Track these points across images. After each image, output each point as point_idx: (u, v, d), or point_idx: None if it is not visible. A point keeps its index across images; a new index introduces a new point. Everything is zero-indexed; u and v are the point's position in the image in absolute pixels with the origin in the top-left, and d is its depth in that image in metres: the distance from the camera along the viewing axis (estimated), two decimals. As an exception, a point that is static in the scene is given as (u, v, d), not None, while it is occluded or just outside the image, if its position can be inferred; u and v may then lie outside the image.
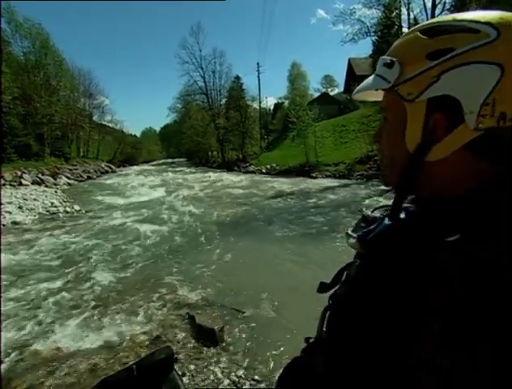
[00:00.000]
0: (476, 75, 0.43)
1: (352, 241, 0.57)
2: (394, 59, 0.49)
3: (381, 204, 0.65)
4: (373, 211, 0.64)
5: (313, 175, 19.50)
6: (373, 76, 0.54)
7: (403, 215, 0.53)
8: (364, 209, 0.65)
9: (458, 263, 0.37)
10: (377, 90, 0.54)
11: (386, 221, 0.54)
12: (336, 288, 0.60)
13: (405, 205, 0.57)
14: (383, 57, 0.52)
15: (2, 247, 6.11)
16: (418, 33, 0.49)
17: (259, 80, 40.49)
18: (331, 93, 45.43)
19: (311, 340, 0.68)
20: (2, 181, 15.91)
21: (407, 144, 0.49)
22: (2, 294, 4.39)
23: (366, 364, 0.43)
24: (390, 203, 0.57)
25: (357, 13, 20.50)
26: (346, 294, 0.55)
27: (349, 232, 0.60)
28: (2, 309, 3.84)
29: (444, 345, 0.35)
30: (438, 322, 0.36)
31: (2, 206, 10.54)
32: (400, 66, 0.48)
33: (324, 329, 0.64)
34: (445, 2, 16.90)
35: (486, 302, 0.35)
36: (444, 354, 0.35)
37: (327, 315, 0.60)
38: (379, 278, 0.46)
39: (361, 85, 0.56)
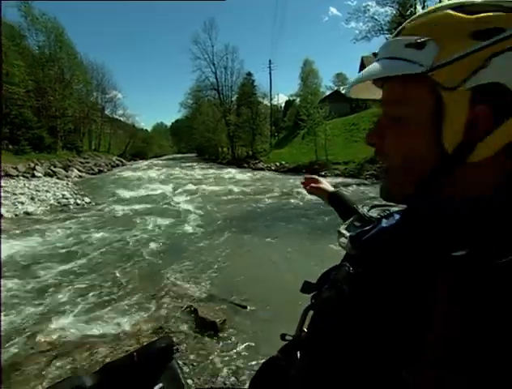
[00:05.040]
0: None
1: (344, 240, 0.51)
2: (424, 38, 0.39)
3: (378, 202, 0.58)
4: (369, 210, 0.59)
5: (322, 173, 19.32)
6: (380, 62, 0.43)
7: (396, 217, 0.48)
8: (360, 207, 0.60)
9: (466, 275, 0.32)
10: (373, 81, 0.45)
11: (384, 223, 0.48)
12: (323, 289, 0.54)
13: (397, 208, 0.52)
14: (398, 38, 0.42)
15: (2, 245, 6.23)
16: (450, 11, 0.39)
17: (271, 77, 40.70)
18: (343, 91, 45.03)
19: (287, 337, 0.65)
20: (16, 172, 16.26)
21: (444, 143, 0.40)
22: (10, 282, 4.51)
23: (348, 373, 0.40)
24: (388, 203, 0.50)
25: (371, 10, 20.26)
26: (334, 300, 0.48)
27: (341, 230, 0.54)
28: (2, 302, 3.89)
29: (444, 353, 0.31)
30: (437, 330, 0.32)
31: (15, 196, 10.78)
32: (437, 46, 0.38)
33: (304, 329, 0.61)
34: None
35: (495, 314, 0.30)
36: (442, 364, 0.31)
37: (309, 316, 0.56)
38: (374, 288, 0.41)
39: (365, 73, 0.44)
